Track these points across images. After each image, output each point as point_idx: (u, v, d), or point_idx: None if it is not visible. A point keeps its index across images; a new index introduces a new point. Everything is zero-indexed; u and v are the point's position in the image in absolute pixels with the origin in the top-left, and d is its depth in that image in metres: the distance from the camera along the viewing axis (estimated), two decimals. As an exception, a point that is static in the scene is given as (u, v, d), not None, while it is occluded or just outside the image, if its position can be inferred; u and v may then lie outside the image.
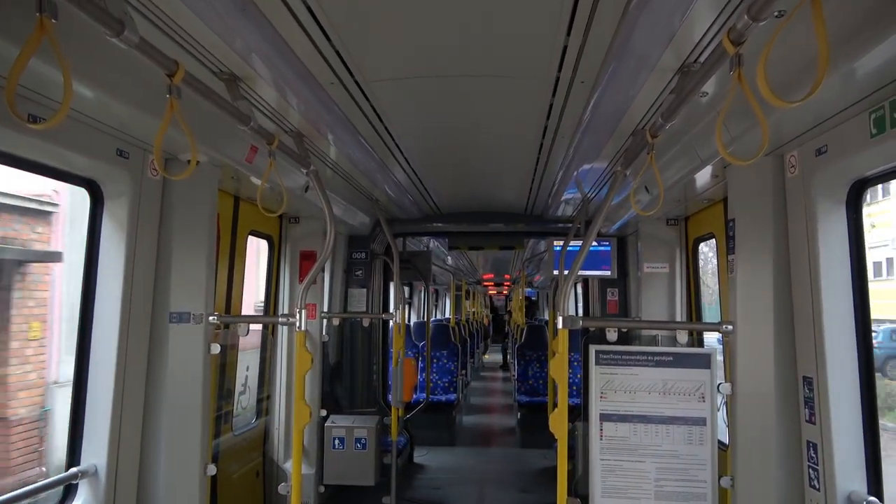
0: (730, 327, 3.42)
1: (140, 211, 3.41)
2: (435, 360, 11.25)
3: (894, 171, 2.67)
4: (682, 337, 3.78)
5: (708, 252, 5.55)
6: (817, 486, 2.95)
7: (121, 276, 3.33)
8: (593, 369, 3.59)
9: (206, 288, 3.69)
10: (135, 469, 3.47)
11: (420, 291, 16.99)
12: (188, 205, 3.66)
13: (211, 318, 3.74)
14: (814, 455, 2.98)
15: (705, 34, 2.42)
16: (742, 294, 3.35)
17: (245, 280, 5.14)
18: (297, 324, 3.78)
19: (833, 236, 2.92)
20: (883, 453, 2.88)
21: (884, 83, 2.26)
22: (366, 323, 6.76)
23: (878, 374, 2.97)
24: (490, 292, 28.70)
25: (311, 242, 5.82)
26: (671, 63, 2.70)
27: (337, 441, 5.89)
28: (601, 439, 3.56)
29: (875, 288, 3.05)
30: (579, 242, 5.61)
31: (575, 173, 4.73)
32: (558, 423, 3.38)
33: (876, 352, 3.01)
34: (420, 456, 8.86)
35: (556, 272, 6.09)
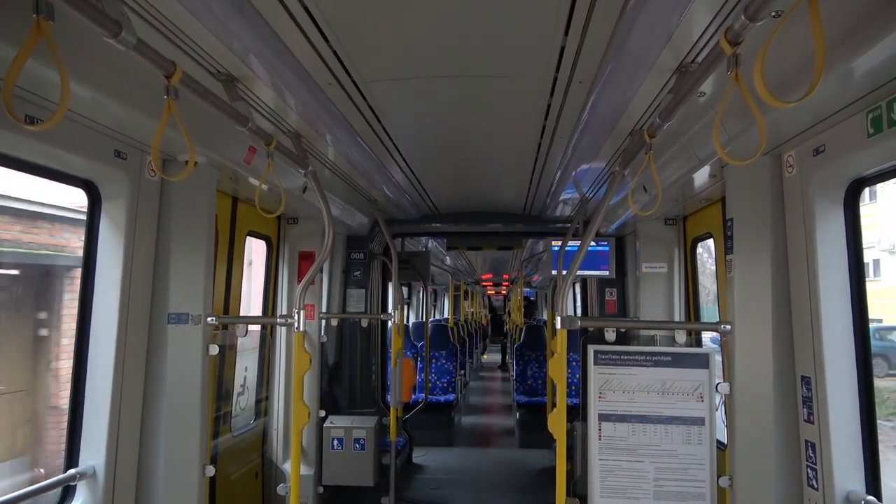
0: (728, 327, 3.42)
1: (138, 212, 3.41)
2: (434, 361, 11.25)
3: (891, 171, 2.67)
4: (681, 337, 3.79)
5: (703, 253, 5.55)
6: (816, 486, 2.96)
7: (119, 278, 3.33)
8: (592, 369, 3.59)
9: (204, 289, 3.69)
10: (133, 470, 3.47)
11: (419, 292, 17.00)
12: (186, 206, 3.65)
13: (209, 318, 3.73)
14: (812, 454, 2.98)
15: (703, 34, 2.43)
16: (740, 294, 3.36)
17: (249, 283, 5.15)
18: (296, 324, 3.78)
19: (831, 236, 2.93)
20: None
21: (881, 83, 2.27)
22: (364, 323, 6.76)
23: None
24: (489, 292, 28.71)
25: (310, 243, 5.82)
26: (669, 63, 2.71)
27: (336, 441, 5.89)
28: (600, 439, 3.56)
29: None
30: (578, 242, 5.62)
31: (573, 173, 4.73)
32: (557, 423, 3.38)
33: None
34: (419, 456, 8.86)
35: (554, 272, 6.09)
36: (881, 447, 2.89)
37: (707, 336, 5.08)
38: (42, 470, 4.22)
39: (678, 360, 3.55)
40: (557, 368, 3.44)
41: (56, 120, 1.82)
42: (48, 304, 5.14)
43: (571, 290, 9.33)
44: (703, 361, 3.54)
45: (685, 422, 3.51)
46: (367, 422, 6.00)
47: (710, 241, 5.12)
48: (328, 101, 3.29)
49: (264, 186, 4.16)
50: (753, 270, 3.28)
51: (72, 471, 3.19)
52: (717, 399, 3.61)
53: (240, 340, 5.13)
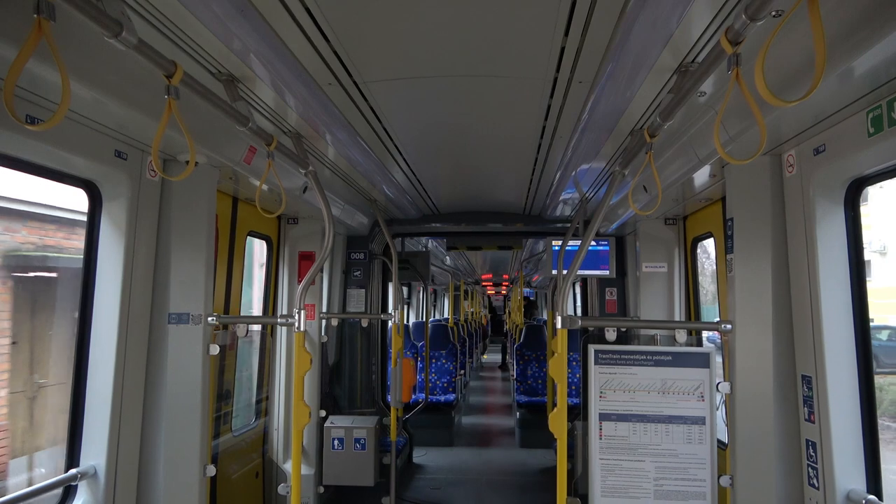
0: (728, 326, 3.43)
1: (139, 212, 3.41)
2: (434, 361, 11.26)
3: (892, 170, 2.68)
4: (681, 336, 3.79)
5: (701, 254, 5.55)
6: (816, 485, 2.96)
7: (119, 278, 3.33)
8: (592, 369, 3.59)
9: (204, 289, 3.69)
10: (134, 470, 3.47)
11: (419, 292, 17.00)
12: (187, 206, 3.66)
13: (210, 318, 3.74)
14: (813, 454, 2.99)
15: (703, 34, 2.43)
16: (741, 293, 3.36)
17: (260, 284, 5.17)
18: (296, 324, 3.78)
19: (831, 235, 2.93)
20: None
21: (881, 82, 2.27)
22: (364, 323, 6.76)
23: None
24: (489, 292, 28.72)
25: (310, 243, 5.82)
26: (669, 63, 2.71)
27: (336, 441, 5.89)
28: (600, 439, 3.56)
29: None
30: (578, 242, 5.62)
31: (573, 173, 4.73)
32: (558, 422, 3.38)
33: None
34: (419, 456, 8.86)
35: (554, 272, 6.09)
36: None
37: (704, 335, 5.08)
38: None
39: (679, 360, 3.55)
40: (558, 368, 3.44)
41: (57, 120, 1.82)
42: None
43: (572, 290, 9.33)
44: (703, 361, 3.54)
45: (686, 421, 3.51)
46: (368, 422, 6.00)
47: (709, 241, 5.13)
48: (328, 102, 3.29)
49: (265, 186, 4.17)
50: (754, 270, 3.29)
51: (73, 470, 3.19)
52: (718, 398, 3.61)
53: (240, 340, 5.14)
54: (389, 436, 6.16)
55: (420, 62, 2.90)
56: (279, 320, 4.23)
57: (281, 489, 5.51)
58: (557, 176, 4.96)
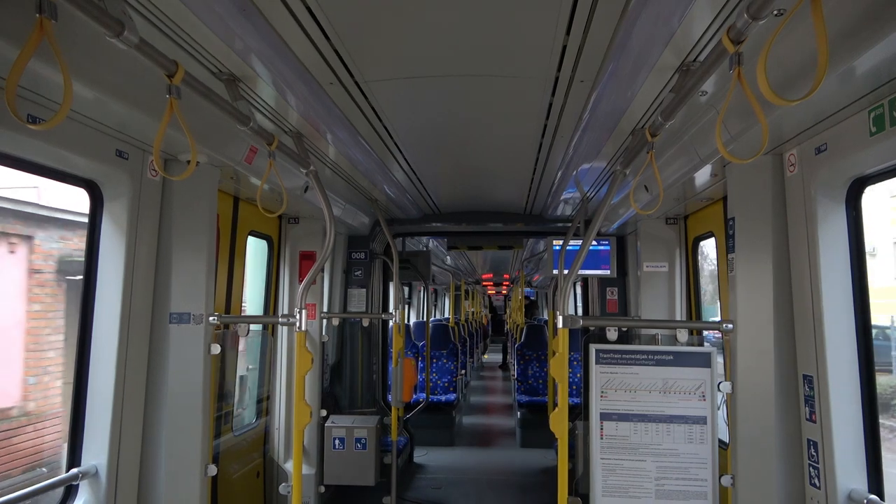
0: (730, 326, 3.42)
1: (140, 212, 3.41)
2: (434, 361, 11.26)
3: (893, 170, 2.67)
4: (682, 336, 3.79)
5: (699, 258, 5.56)
6: (818, 485, 2.96)
7: (121, 277, 3.33)
8: (593, 368, 3.59)
9: (206, 288, 3.69)
10: (135, 469, 3.47)
11: (419, 291, 17.00)
12: (188, 205, 3.66)
13: (211, 318, 3.74)
14: (814, 453, 2.98)
15: (705, 33, 2.42)
16: (742, 292, 3.36)
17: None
18: (297, 324, 3.78)
19: (833, 234, 2.93)
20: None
21: (883, 81, 2.27)
22: (365, 323, 6.76)
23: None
24: (489, 292, 28.71)
25: (311, 243, 5.82)
26: (671, 62, 2.70)
27: (337, 441, 5.89)
28: (602, 438, 3.56)
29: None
30: (578, 242, 5.61)
31: (574, 173, 4.73)
32: (559, 422, 3.38)
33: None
34: (420, 456, 8.86)
35: (555, 272, 6.09)
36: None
37: (704, 335, 5.08)
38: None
39: (680, 359, 3.55)
40: (559, 368, 3.44)
41: (59, 119, 1.82)
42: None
43: (573, 290, 9.33)
44: (704, 360, 3.54)
45: (687, 421, 3.51)
46: (369, 421, 6.00)
47: (709, 241, 5.13)
48: (330, 101, 3.29)
49: (266, 186, 4.17)
50: (755, 269, 3.28)
51: (74, 470, 3.19)
52: (719, 398, 3.61)
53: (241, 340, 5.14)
54: (390, 435, 6.16)
55: (421, 61, 2.90)
56: (280, 320, 4.23)
57: (282, 489, 5.51)
58: (558, 175, 4.96)
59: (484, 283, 22.93)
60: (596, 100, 3.12)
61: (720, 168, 3.65)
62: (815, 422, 2.97)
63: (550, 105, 3.39)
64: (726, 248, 3.60)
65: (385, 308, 7.50)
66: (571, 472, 4.83)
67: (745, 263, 3.34)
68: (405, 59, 2.87)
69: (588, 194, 5.65)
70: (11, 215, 5.82)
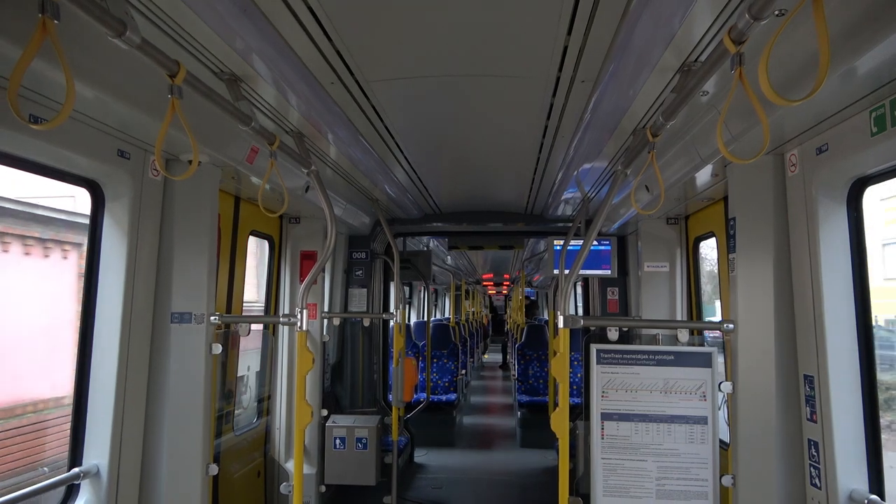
0: (731, 326, 3.42)
1: (141, 211, 3.41)
2: (435, 360, 11.26)
3: (894, 170, 2.68)
4: (683, 336, 3.79)
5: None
6: (818, 485, 2.96)
7: (122, 277, 3.33)
8: (594, 368, 3.59)
9: (207, 288, 3.69)
10: (137, 469, 3.48)
11: (420, 291, 17.01)
12: (189, 205, 3.66)
13: (212, 318, 3.74)
14: (815, 453, 2.98)
15: (706, 33, 2.43)
16: (743, 292, 3.36)
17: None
18: (298, 324, 3.78)
19: (834, 235, 2.93)
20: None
21: (884, 82, 2.27)
22: (366, 323, 6.77)
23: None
24: (489, 292, 28.71)
25: (312, 243, 5.83)
26: (672, 62, 2.71)
27: (338, 441, 5.90)
28: (602, 438, 3.56)
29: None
30: (579, 242, 5.62)
31: (575, 173, 4.74)
32: (559, 422, 3.38)
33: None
34: (420, 456, 8.87)
35: (556, 272, 6.09)
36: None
37: (703, 335, 5.08)
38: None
39: (681, 359, 3.55)
40: (560, 367, 3.44)
41: (61, 119, 1.82)
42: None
43: (573, 290, 9.33)
44: (705, 360, 3.54)
45: (688, 421, 3.51)
46: (369, 421, 6.01)
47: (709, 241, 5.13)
48: (331, 101, 3.29)
49: (267, 186, 4.17)
50: (756, 269, 3.28)
51: (75, 469, 3.20)
52: (720, 398, 3.61)
53: (242, 340, 5.14)
54: (391, 435, 6.16)
55: (422, 61, 2.90)
56: (281, 320, 4.23)
57: (283, 488, 5.52)
58: (559, 175, 4.96)
59: (484, 283, 22.93)
60: (597, 100, 3.12)
61: (721, 168, 3.65)
62: (815, 422, 2.97)
63: (551, 105, 3.39)
64: (727, 248, 3.60)
65: (386, 308, 7.50)
66: (572, 472, 4.84)
67: (746, 263, 3.35)
68: (406, 58, 2.87)
69: (589, 194, 5.65)
70: (64, 226, 6.32)
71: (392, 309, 6.99)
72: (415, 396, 8.83)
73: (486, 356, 25.00)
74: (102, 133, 3.03)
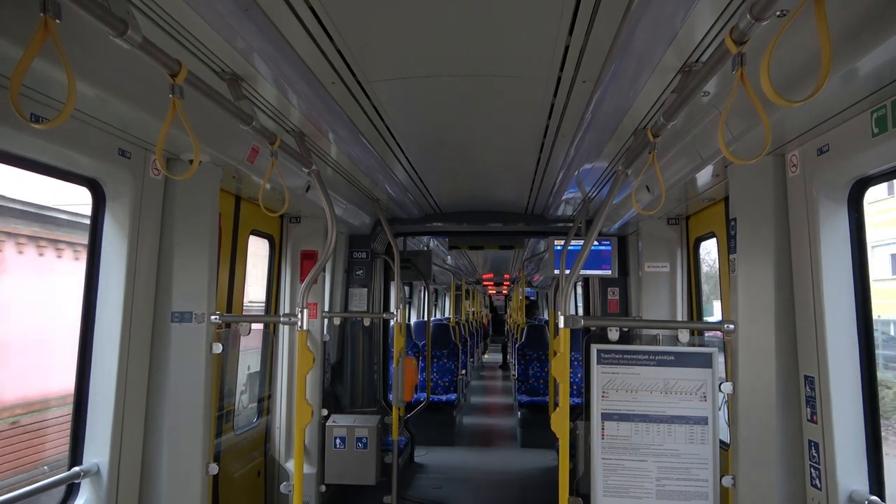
0: (731, 326, 3.42)
1: (142, 211, 3.41)
2: (435, 360, 11.26)
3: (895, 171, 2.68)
4: (684, 336, 3.79)
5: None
6: (819, 486, 2.96)
7: (123, 276, 3.34)
8: (595, 368, 3.59)
9: (207, 287, 3.69)
10: (137, 468, 3.48)
11: (420, 291, 17.01)
12: (190, 204, 3.66)
13: (213, 317, 3.74)
14: (815, 454, 2.98)
15: (707, 34, 2.43)
16: (743, 293, 3.36)
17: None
18: (299, 323, 3.78)
19: (834, 235, 2.93)
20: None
21: (885, 82, 2.27)
22: (367, 322, 6.77)
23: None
24: (490, 292, 28.72)
25: (312, 242, 5.83)
26: (673, 62, 2.71)
27: (338, 440, 5.90)
28: (603, 438, 3.56)
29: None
30: (580, 242, 5.62)
31: (576, 173, 4.74)
32: (560, 422, 3.38)
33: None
34: (420, 455, 8.87)
35: (556, 272, 6.09)
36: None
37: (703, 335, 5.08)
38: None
39: (681, 360, 3.55)
40: (560, 367, 3.44)
41: (63, 118, 1.82)
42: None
43: (574, 290, 9.33)
44: (706, 361, 3.54)
45: (688, 421, 3.51)
46: (370, 421, 6.01)
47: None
48: (332, 100, 3.29)
49: (267, 185, 4.17)
50: (757, 270, 3.28)
51: (75, 468, 3.20)
52: (720, 398, 3.61)
53: (243, 339, 5.14)
54: (391, 435, 6.16)
55: (423, 61, 2.90)
56: (282, 319, 4.23)
57: (283, 488, 5.52)
58: (560, 175, 4.96)
59: (484, 283, 22.94)
60: (598, 100, 3.12)
61: (722, 168, 3.65)
62: (816, 422, 2.97)
63: (552, 105, 3.39)
64: (728, 248, 3.60)
65: (386, 307, 7.51)
66: (572, 472, 4.84)
67: (747, 264, 3.34)
68: (407, 58, 2.87)
69: (590, 194, 5.65)
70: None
71: (392, 309, 6.99)
72: (415, 396, 8.84)
73: (486, 356, 25.01)
74: (103, 132, 3.03)
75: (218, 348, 3.81)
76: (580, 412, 5.49)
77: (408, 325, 11.06)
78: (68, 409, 3.28)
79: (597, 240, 5.92)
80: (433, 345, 11.07)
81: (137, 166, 3.32)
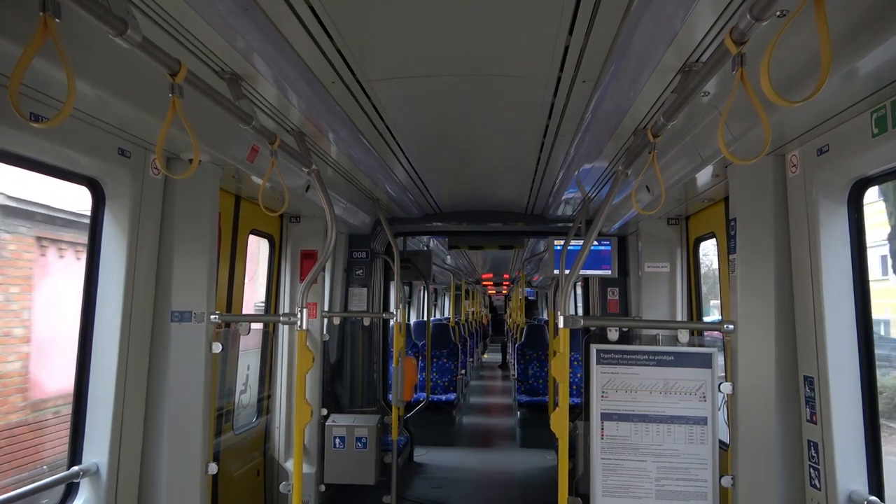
0: (731, 327, 3.42)
1: (141, 210, 3.41)
2: (435, 360, 11.26)
3: (895, 171, 2.67)
4: (683, 336, 3.79)
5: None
6: (818, 486, 2.96)
7: (122, 275, 3.33)
8: (594, 368, 3.59)
9: (207, 287, 3.69)
10: (136, 467, 3.48)
11: (420, 291, 17.01)
12: (190, 204, 3.66)
13: (212, 316, 3.74)
14: (815, 454, 2.99)
15: (707, 34, 2.43)
16: (743, 293, 3.36)
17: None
18: (299, 323, 3.78)
19: (834, 236, 2.93)
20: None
21: (885, 83, 2.27)
22: (366, 322, 6.77)
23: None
24: (489, 292, 28.72)
25: (312, 242, 5.83)
26: (673, 63, 2.71)
27: (337, 440, 5.90)
28: (602, 438, 3.56)
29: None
30: (580, 242, 5.61)
31: (576, 173, 4.74)
32: (559, 422, 3.38)
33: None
34: (420, 455, 8.87)
35: (556, 272, 6.09)
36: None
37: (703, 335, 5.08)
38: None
39: (681, 360, 3.55)
40: (560, 368, 3.44)
41: (62, 118, 1.82)
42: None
43: (573, 290, 9.33)
44: (705, 361, 3.54)
45: (687, 421, 3.51)
46: (369, 420, 6.01)
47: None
48: (331, 100, 3.29)
49: (267, 185, 4.17)
50: (756, 270, 3.28)
51: (75, 468, 3.20)
52: (720, 398, 3.61)
53: (243, 339, 5.14)
54: (390, 435, 6.16)
55: (423, 61, 2.90)
56: (281, 319, 4.23)
57: (282, 487, 5.52)
58: (560, 175, 4.96)
59: (484, 283, 22.94)
60: (598, 100, 3.12)
61: (722, 169, 3.65)
62: (815, 423, 2.97)
63: (552, 105, 3.39)
64: (728, 248, 3.60)
65: (386, 307, 7.51)
66: (572, 472, 4.83)
67: (747, 264, 3.34)
68: (407, 58, 2.87)
69: (589, 194, 5.65)
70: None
71: (392, 308, 6.99)
72: (414, 396, 8.83)
73: (485, 356, 25.01)
74: (103, 131, 3.03)
75: (217, 348, 3.81)
76: (580, 412, 5.49)
77: (407, 325, 11.06)
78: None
79: (596, 240, 5.92)
80: (433, 345, 11.07)
81: (137, 166, 3.32)
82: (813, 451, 3.00)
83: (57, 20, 1.74)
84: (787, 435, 3.13)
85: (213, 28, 2.37)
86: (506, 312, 26.94)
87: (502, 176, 5.41)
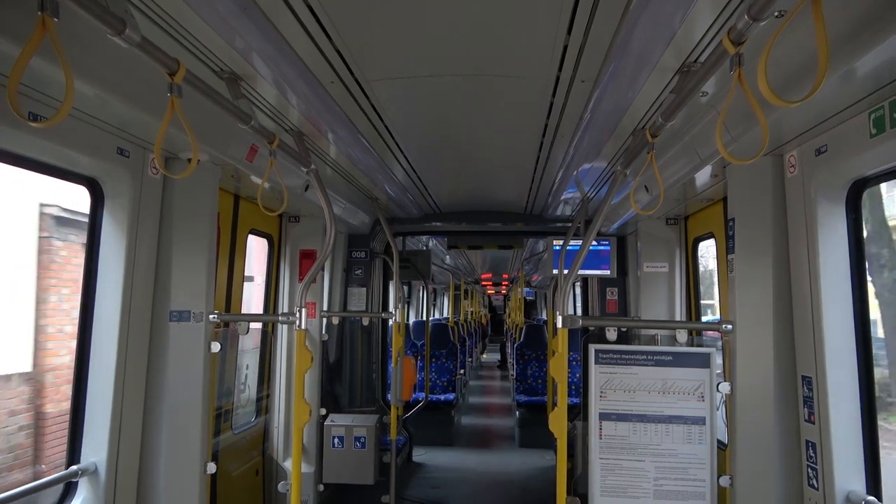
0: (729, 327, 3.43)
1: (140, 209, 3.41)
2: (434, 360, 11.27)
3: (893, 171, 2.68)
4: (682, 336, 3.79)
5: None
6: (816, 486, 2.96)
7: (121, 275, 3.33)
8: (593, 368, 3.59)
9: (206, 286, 3.69)
10: (135, 467, 3.48)
11: (419, 290, 17.01)
12: (189, 203, 3.66)
13: (211, 316, 3.74)
14: (813, 454, 2.99)
15: (705, 34, 2.43)
16: (741, 293, 3.36)
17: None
18: (297, 322, 3.78)
19: (832, 236, 2.93)
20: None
21: (883, 83, 2.27)
22: (365, 322, 6.77)
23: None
24: (488, 292, 28.73)
25: (311, 241, 5.83)
26: (671, 63, 2.71)
27: (336, 440, 5.90)
28: (600, 438, 3.57)
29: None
30: (579, 242, 5.62)
31: (575, 173, 4.74)
32: (558, 422, 3.39)
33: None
34: (419, 455, 8.87)
35: (555, 271, 6.09)
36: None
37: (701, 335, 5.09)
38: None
39: (679, 360, 3.55)
40: (558, 367, 3.45)
41: (61, 117, 1.82)
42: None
43: (572, 290, 9.33)
44: (703, 361, 3.54)
45: (686, 421, 3.52)
46: (368, 420, 6.01)
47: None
48: (330, 99, 3.29)
49: (266, 184, 4.17)
50: (755, 270, 3.29)
51: (73, 467, 3.20)
52: (718, 398, 3.61)
53: (241, 338, 5.14)
54: (389, 434, 6.16)
55: (422, 60, 2.90)
56: (280, 318, 4.23)
57: (281, 487, 5.52)
58: (559, 175, 4.96)
59: (483, 283, 22.95)
60: (597, 100, 3.12)
61: (720, 169, 3.65)
62: (813, 423, 2.97)
63: (551, 105, 3.39)
64: (726, 248, 3.61)
65: (385, 307, 7.50)
66: (570, 472, 4.83)
67: (745, 264, 3.35)
68: (406, 58, 2.87)
69: (588, 194, 5.65)
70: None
71: (391, 308, 6.99)
72: (413, 396, 8.83)
73: (484, 356, 25.02)
74: (102, 131, 3.03)
75: (216, 347, 3.81)
76: (578, 412, 5.49)
77: (406, 325, 11.06)
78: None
79: (595, 240, 5.92)
80: (432, 344, 11.08)
81: (136, 165, 3.32)
82: (811, 450, 3.01)
83: (55, 19, 1.74)
84: (785, 435, 3.14)
85: (211, 28, 2.37)
86: (505, 312, 26.94)
87: (501, 176, 5.41)
